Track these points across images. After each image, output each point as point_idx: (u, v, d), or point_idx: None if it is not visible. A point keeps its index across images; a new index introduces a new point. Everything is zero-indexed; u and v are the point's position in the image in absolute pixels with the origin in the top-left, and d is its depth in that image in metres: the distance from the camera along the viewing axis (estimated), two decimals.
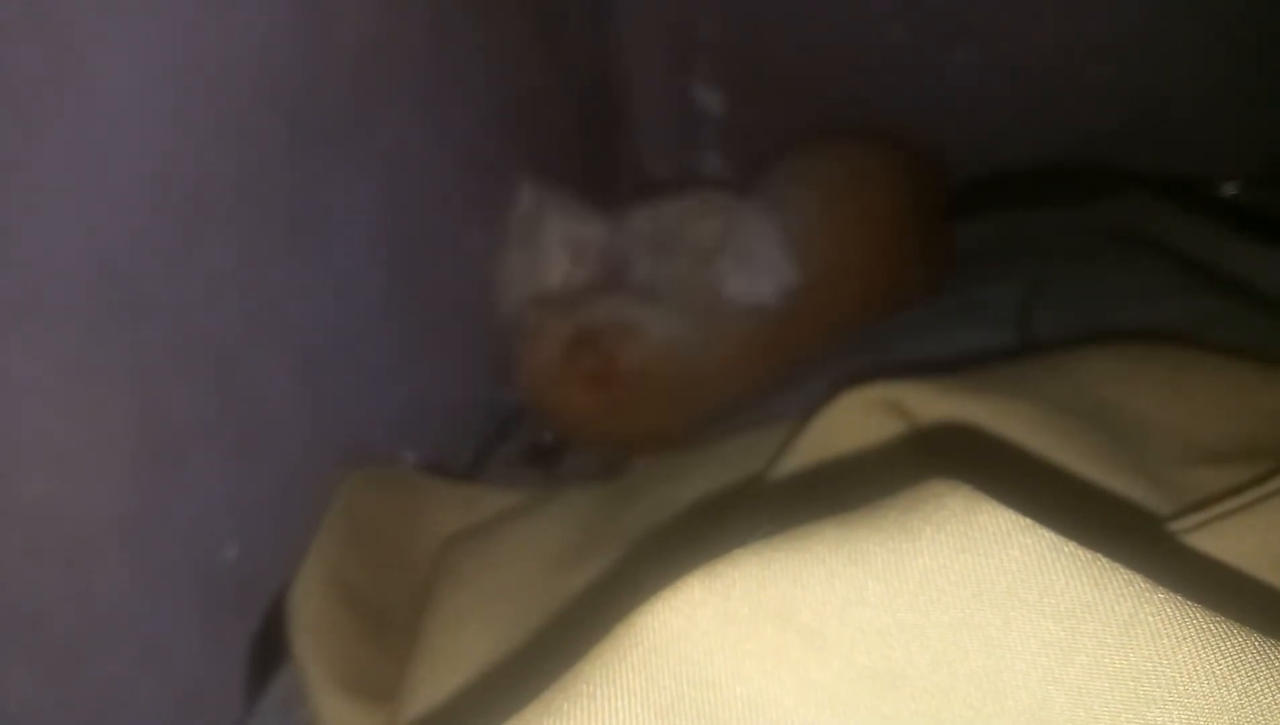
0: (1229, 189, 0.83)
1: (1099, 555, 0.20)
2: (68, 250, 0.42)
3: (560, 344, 0.68)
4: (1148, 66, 0.90)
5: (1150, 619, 0.19)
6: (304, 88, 0.57)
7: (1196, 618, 0.19)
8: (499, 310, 0.73)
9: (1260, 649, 0.19)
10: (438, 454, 0.67)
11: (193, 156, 0.49)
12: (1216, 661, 0.19)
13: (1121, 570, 0.20)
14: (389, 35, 0.65)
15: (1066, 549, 0.20)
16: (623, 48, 1.02)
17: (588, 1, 0.97)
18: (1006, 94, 0.93)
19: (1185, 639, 0.19)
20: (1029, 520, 0.21)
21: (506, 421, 0.74)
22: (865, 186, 0.76)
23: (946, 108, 0.92)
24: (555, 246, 0.72)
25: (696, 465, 0.50)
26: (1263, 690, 0.18)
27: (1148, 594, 0.19)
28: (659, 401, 0.68)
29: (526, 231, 0.73)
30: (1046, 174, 0.89)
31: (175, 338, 0.48)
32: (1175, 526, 0.33)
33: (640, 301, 0.68)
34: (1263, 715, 0.18)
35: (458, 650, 0.42)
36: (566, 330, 0.68)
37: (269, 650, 0.49)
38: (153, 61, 0.46)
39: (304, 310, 0.57)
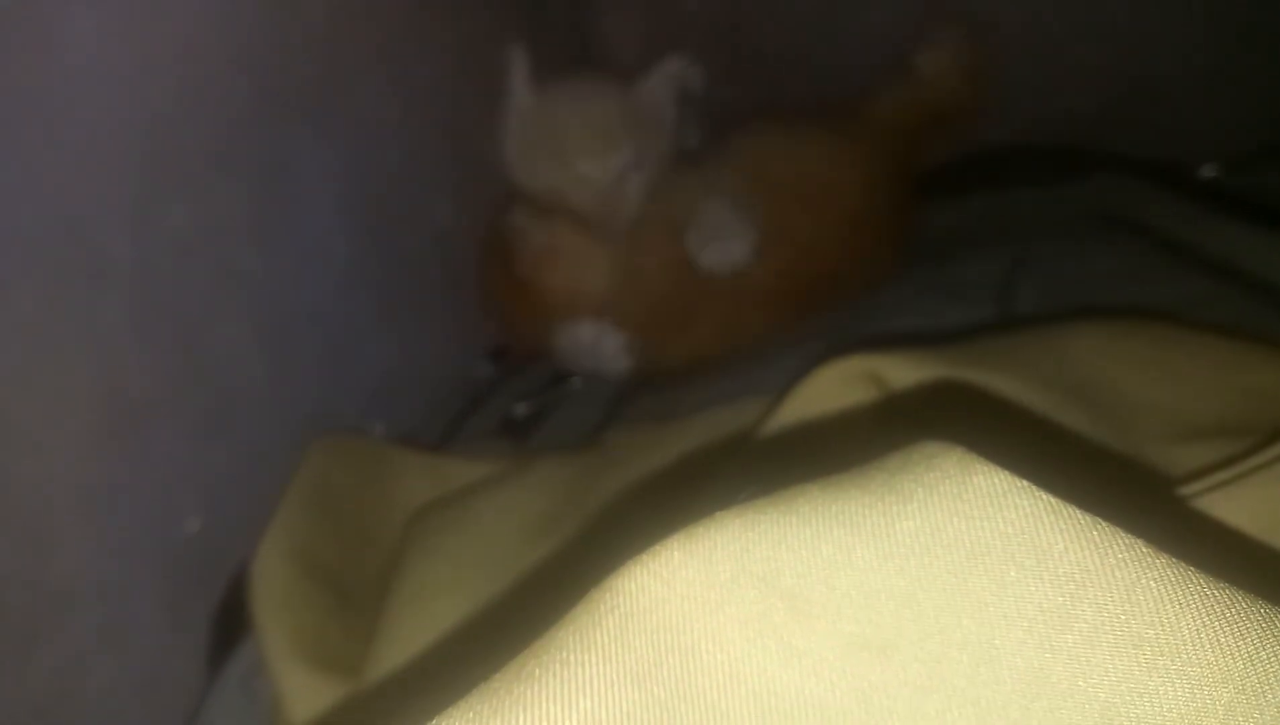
0: (1208, 171, 0.83)
1: (1099, 519, 0.19)
2: (26, 209, 0.41)
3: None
4: (1130, 49, 0.90)
5: (1153, 585, 0.18)
6: (273, 54, 0.56)
7: (1200, 584, 0.18)
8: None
9: (1265, 616, 0.18)
10: (408, 426, 0.66)
11: (156, 119, 0.48)
12: (1221, 629, 0.18)
13: (1123, 535, 0.19)
14: (362, 5, 0.64)
15: (1065, 512, 0.19)
16: (602, 22, 1.01)
17: None
18: (989, 74, 0.92)
19: (1189, 606, 0.18)
20: (1026, 482, 0.20)
21: (478, 394, 0.72)
22: (825, 162, 0.75)
23: None
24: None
25: (674, 438, 0.50)
26: (1269, 658, 0.17)
27: (1150, 559, 0.18)
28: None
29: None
30: (1027, 155, 0.89)
31: (137, 304, 0.47)
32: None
33: None
34: (1268, 683, 0.17)
35: (426, 622, 0.41)
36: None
37: (230, 624, 0.48)
38: (116, 20, 0.45)
39: (271, 278, 0.56)
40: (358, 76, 0.63)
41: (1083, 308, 0.56)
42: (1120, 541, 0.19)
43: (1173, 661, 0.18)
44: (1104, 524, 0.19)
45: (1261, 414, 0.39)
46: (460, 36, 0.76)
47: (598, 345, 0.70)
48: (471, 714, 0.19)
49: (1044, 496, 0.20)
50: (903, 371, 0.40)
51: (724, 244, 0.67)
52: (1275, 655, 0.18)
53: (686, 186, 0.71)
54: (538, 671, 0.19)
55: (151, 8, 0.47)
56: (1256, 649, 0.18)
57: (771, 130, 0.77)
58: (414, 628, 0.42)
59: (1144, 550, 0.19)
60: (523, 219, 0.71)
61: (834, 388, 0.41)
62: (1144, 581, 0.18)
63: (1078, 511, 0.19)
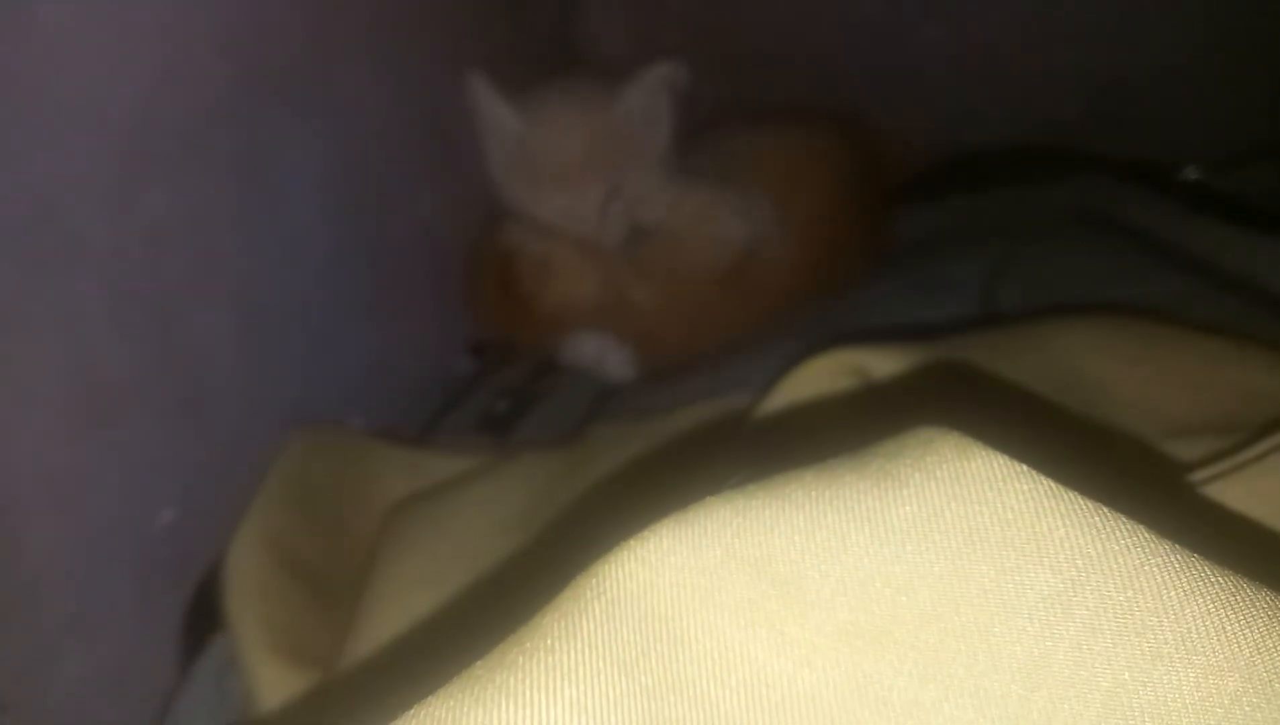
0: (1190, 173, 0.83)
1: (1101, 504, 0.19)
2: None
3: None
4: (1114, 52, 0.90)
5: (1156, 572, 0.18)
6: (256, 37, 0.55)
7: (1205, 571, 0.18)
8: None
9: (1272, 603, 0.18)
10: (387, 420, 0.65)
11: (135, 99, 0.47)
12: (1227, 616, 0.17)
13: (1125, 520, 0.18)
14: None
15: (1066, 497, 0.19)
16: (587, 16, 1.00)
17: None
18: (974, 74, 0.92)
19: (1193, 593, 0.18)
20: (1025, 466, 0.19)
21: (459, 389, 0.72)
22: (809, 153, 0.76)
23: (913, 86, 0.91)
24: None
25: (657, 432, 0.49)
26: (1276, 646, 0.17)
27: (1153, 545, 0.18)
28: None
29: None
30: (1010, 156, 0.89)
31: (113, 288, 0.46)
32: None
33: None
34: (1276, 671, 0.17)
35: (403, 616, 0.41)
36: None
37: (203, 619, 0.47)
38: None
39: (250, 265, 0.55)
40: (343, 62, 0.62)
41: (1066, 305, 0.56)
42: (1123, 527, 0.18)
43: (1177, 649, 0.17)
44: (1106, 509, 0.19)
45: (1248, 412, 0.39)
46: (447, 26, 0.75)
47: (602, 359, 0.70)
48: (452, 702, 0.19)
49: (1044, 481, 0.19)
50: (888, 365, 0.40)
51: (742, 218, 0.69)
52: None
53: (680, 191, 0.71)
54: (521, 659, 0.19)
55: None
56: (1263, 636, 0.17)
57: (756, 127, 0.77)
58: (391, 622, 0.41)
59: (1147, 536, 0.18)
60: (517, 234, 0.72)
61: (820, 381, 0.41)
62: (1147, 568, 0.18)
63: (1079, 496, 0.19)
